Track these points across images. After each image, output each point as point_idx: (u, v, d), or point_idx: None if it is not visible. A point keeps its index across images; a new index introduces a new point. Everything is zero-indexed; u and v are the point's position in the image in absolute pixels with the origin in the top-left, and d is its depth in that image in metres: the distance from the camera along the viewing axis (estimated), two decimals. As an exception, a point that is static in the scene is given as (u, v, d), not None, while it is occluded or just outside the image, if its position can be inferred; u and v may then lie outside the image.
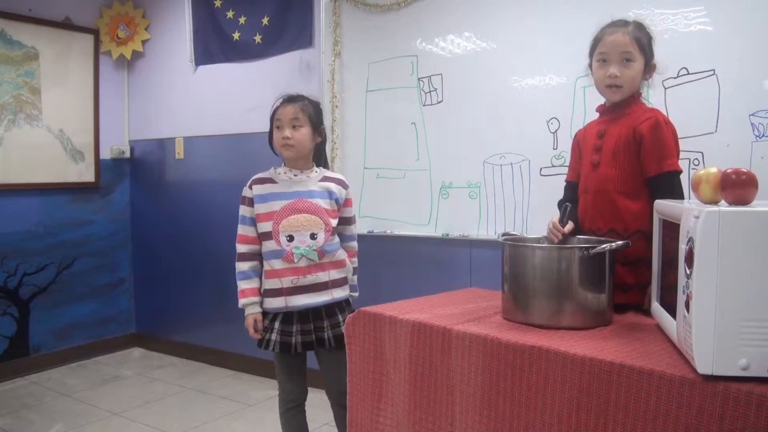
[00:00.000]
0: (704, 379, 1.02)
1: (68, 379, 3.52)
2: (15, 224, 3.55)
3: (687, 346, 1.06)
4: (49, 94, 3.65)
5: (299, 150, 1.98)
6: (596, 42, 1.63)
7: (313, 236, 1.96)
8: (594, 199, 1.62)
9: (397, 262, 2.90)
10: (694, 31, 2.15)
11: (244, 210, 2.01)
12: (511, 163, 2.60)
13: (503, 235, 1.60)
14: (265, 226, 1.97)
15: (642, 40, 1.58)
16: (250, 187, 2.01)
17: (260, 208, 1.98)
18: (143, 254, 4.11)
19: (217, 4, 3.53)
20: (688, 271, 1.06)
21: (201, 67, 3.69)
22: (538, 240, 1.65)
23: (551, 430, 1.21)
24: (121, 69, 4.04)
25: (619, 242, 1.41)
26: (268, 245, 1.97)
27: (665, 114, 1.61)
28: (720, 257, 0.99)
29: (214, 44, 3.59)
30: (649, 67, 1.62)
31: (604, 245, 1.40)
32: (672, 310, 1.19)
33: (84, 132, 3.83)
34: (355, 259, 2.16)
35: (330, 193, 2.03)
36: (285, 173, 2.03)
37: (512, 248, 1.50)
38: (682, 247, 1.10)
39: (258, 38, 3.39)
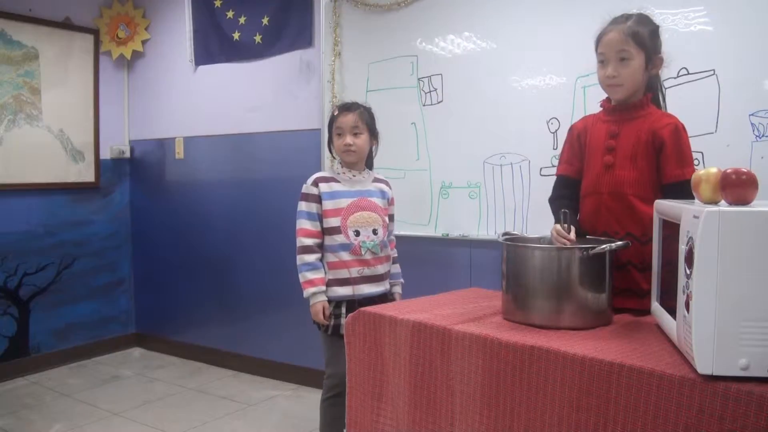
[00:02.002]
0: (704, 379, 1.02)
1: (68, 379, 3.51)
2: (15, 224, 3.55)
3: (687, 346, 1.06)
4: (49, 94, 3.64)
5: (359, 154, 2.17)
6: (597, 41, 1.61)
7: (374, 232, 2.16)
8: (609, 202, 1.58)
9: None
10: (694, 31, 2.15)
11: (308, 206, 2.13)
12: (511, 163, 2.60)
13: (503, 235, 1.59)
14: (332, 222, 2.12)
15: (641, 34, 1.54)
16: (316, 185, 2.14)
17: (328, 205, 2.12)
18: (143, 254, 4.11)
19: (217, 4, 3.53)
20: (688, 271, 1.06)
21: (201, 67, 3.69)
22: (538, 240, 1.64)
23: (551, 430, 1.21)
24: (121, 69, 4.04)
25: (619, 242, 1.41)
26: (337, 239, 2.12)
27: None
28: (720, 257, 0.99)
29: (214, 44, 3.58)
30: (653, 62, 1.58)
31: (603, 245, 1.40)
32: (672, 310, 1.19)
33: (84, 132, 3.83)
34: (395, 250, 2.33)
35: (383, 193, 2.22)
36: (344, 173, 2.18)
37: (512, 248, 1.50)
38: (682, 247, 1.10)
39: (258, 38, 3.39)
